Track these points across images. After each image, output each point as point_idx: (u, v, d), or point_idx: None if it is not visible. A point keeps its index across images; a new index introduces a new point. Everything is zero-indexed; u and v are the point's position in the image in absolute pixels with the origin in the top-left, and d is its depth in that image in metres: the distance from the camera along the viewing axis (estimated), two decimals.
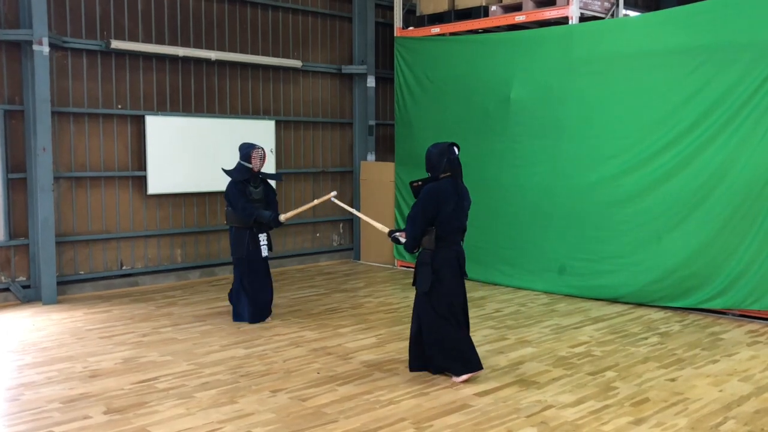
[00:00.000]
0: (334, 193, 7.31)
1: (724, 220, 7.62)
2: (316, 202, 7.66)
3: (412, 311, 6.01)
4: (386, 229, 6.30)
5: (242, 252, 7.39)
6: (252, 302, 7.44)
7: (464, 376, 5.64)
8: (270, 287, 7.63)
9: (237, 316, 7.54)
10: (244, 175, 7.39)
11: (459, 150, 5.85)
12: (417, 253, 5.90)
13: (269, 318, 7.60)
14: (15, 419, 4.87)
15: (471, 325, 7.40)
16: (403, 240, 5.97)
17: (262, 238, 7.45)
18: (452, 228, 5.74)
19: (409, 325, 7.34)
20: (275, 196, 7.73)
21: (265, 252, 7.48)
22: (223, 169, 7.58)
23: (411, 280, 9.94)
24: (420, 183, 5.83)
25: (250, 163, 7.37)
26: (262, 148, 7.49)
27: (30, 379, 5.68)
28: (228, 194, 7.39)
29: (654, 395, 5.36)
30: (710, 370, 5.96)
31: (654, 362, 6.18)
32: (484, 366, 5.96)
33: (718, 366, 6.08)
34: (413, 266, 10.40)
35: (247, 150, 7.42)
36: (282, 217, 7.46)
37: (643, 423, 4.82)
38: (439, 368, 5.79)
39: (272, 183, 8.36)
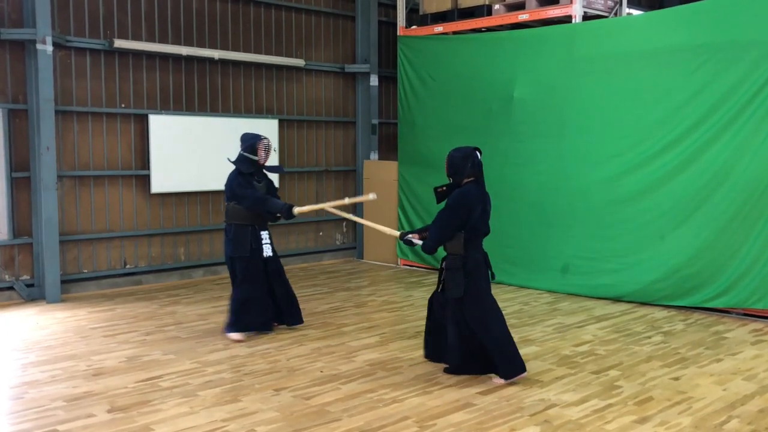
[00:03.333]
0: (373, 196, 6.78)
1: (727, 218, 7.61)
2: (347, 201, 7.11)
3: (432, 318, 5.99)
4: (397, 233, 6.26)
5: (244, 251, 6.80)
6: (251, 308, 6.84)
7: (512, 379, 5.59)
8: (286, 289, 7.09)
9: (245, 326, 6.85)
10: (250, 168, 6.84)
11: (481, 154, 5.85)
12: (441, 258, 5.88)
13: (273, 330, 7.01)
14: (19, 417, 4.88)
15: None
16: (417, 242, 5.95)
17: (265, 235, 6.93)
18: (480, 232, 5.74)
19: (412, 324, 7.38)
20: (276, 191, 7.22)
21: (268, 251, 6.94)
22: (229, 159, 6.96)
23: (414, 279, 9.96)
24: (445, 188, 5.82)
25: (256, 155, 6.82)
26: (268, 139, 6.94)
27: (34, 377, 5.70)
28: (232, 186, 6.79)
29: (658, 394, 5.35)
30: (714, 369, 5.95)
31: (657, 361, 6.17)
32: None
33: (721, 365, 6.08)
34: (417, 265, 10.52)
35: (252, 141, 6.85)
36: (296, 210, 6.80)
37: (646, 422, 4.82)
38: (489, 369, 5.73)
39: (274, 178, 7.84)
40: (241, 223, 6.83)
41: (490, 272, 5.80)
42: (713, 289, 7.74)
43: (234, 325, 6.80)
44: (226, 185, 6.89)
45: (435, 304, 5.96)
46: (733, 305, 7.68)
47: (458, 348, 5.74)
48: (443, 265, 5.84)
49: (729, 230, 7.60)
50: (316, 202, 11.05)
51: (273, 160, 10.30)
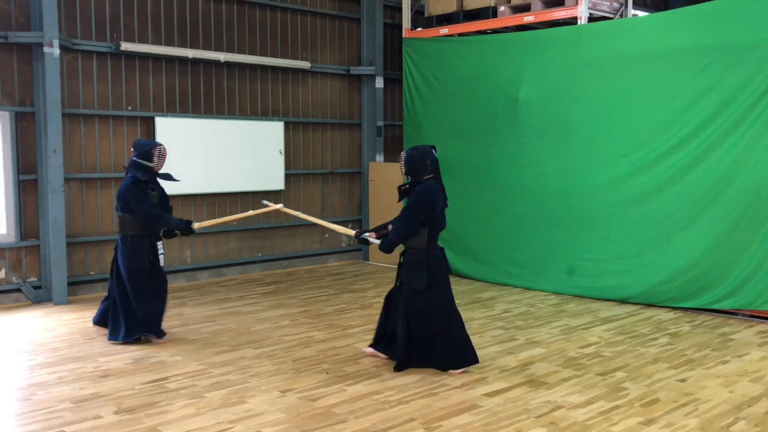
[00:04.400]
0: (280, 206, 6.96)
1: (734, 220, 7.59)
2: (250, 213, 7.14)
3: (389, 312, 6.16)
4: (352, 232, 6.45)
5: (143, 263, 6.60)
6: (133, 315, 6.64)
7: (462, 369, 5.87)
8: (164, 300, 6.89)
9: (117, 334, 6.70)
10: (145, 175, 6.62)
11: (437, 152, 6.08)
12: (402, 253, 6.05)
13: (165, 337, 6.84)
14: (26, 419, 4.90)
15: (480, 326, 7.45)
16: (374, 240, 6.16)
17: (160, 246, 6.78)
18: (440, 227, 6.00)
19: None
20: (168, 200, 7.05)
21: (162, 261, 6.80)
22: (124, 166, 6.78)
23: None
24: (407, 186, 6.03)
25: (151, 161, 6.62)
26: (164, 146, 6.77)
27: (41, 379, 5.72)
28: (125, 196, 6.58)
29: (664, 396, 5.35)
30: (720, 371, 5.94)
31: (664, 363, 6.16)
32: (493, 366, 5.99)
33: (728, 366, 6.06)
34: None
35: (147, 147, 6.67)
36: (196, 226, 6.83)
37: (653, 423, 4.81)
38: (444, 364, 5.89)
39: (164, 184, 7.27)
40: (137, 234, 6.64)
41: (448, 266, 6.06)
42: (720, 291, 7.72)
43: (128, 333, 6.65)
44: (119, 194, 6.66)
45: (394, 301, 6.11)
46: (739, 307, 7.67)
47: (404, 342, 5.92)
48: (402, 260, 6.02)
49: (735, 232, 7.58)
50: (321, 205, 11.15)
51: (279, 163, 10.38)
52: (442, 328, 5.88)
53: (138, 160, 6.63)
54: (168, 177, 6.89)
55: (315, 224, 6.77)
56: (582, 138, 8.74)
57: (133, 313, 6.66)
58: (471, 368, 5.95)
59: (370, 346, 6.39)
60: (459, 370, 5.85)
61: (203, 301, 8.59)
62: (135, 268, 6.62)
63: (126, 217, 6.64)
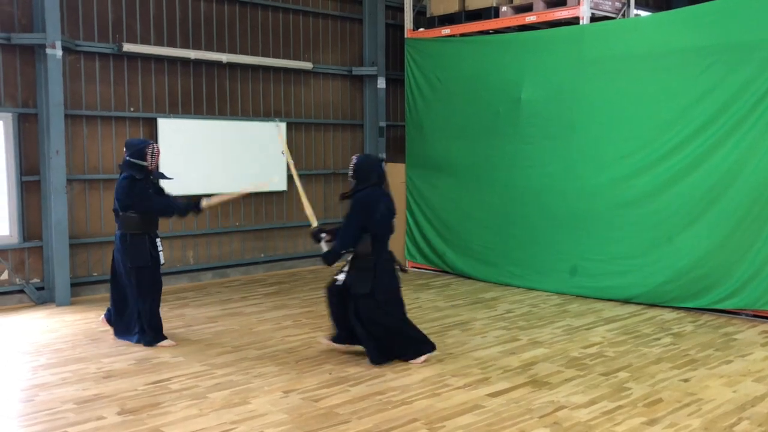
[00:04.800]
0: (277, 178, 7.02)
1: (736, 220, 7.58)
2: (250, 188, 6.98)
3: (333, 307, 6.35)
4: (315, 223, 6.58)
5: (146, 259, 6.61)
6: (153, 318, 6.70)
7: (422, 358, 6.13)
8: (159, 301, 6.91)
9: (142, 337, 6.71)
10: (140, 173, 6.60)
11: (385, 164, 6.40)
12: (353, 259, 6.18)
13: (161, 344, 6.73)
14: (30, 420, 4.91)
15: (483, 326, 7.45)
16: (324, 247, 6.30)
17: (159, 243, 6.78)
18: (385, 232, 6.15)
19: (419, 326, 7.37)
20: (163, 193, 6.99)
21: (162, 258, 6.83)
22: (119, 165, 6.77)
23: (422, 282, 9.96)
24: (348, 192, 6.21)
25: (145, 160, 6.59)
26: (157, 145, 6.78)
27: (44, 380, 5.72)
28: (129, 194, 6.56)
29: (667, 396, 5.34)
30: (724, 371, 5.93)
31: (667, 363, 6.16)
32: (496, 366, 6.00)
33: (731, 366, 6.05)
34: (426, 267, 10.52)
35: (141, 146, 6.64)
36: (204, 203, 6.85)
37: (656, 424, 4.81)
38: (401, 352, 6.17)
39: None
40: (137, 232, 6.63)
41: (399, 268, 6.27)
42: (723, 291, 7.71)
43: (156, 337, 6.67)
44: (118, 194, 6.63)
45: (334, 295, 6.29)
46: (742, 307, 7.66)
47: (367, 338, 6.11)
48: (351, 266, 6.17)
49: (738, 231, 7.57)
50: (323, 205, 11.14)
51: (282, 164, 10.37)
52: (394, 327, 6.14)
53: (132, 160, 6.60)
54: (161, 175, 6.90)
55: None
56: (584, 138, 8.73)
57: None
58: (474, 368, 5.96)
59: (332, 340, 6.47)
60: (419, 360, 6.11)
61: (206, 302, 8.60)
62: (140, 265, 6.61)
63: (127, 216, 6.61)
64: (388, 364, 6.08)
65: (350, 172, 6.26)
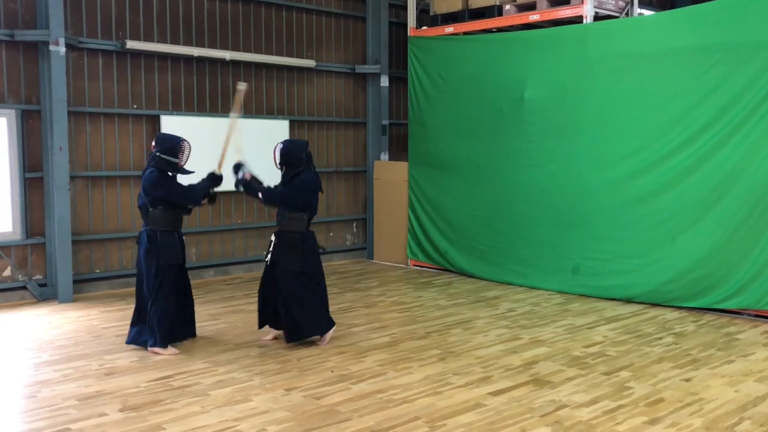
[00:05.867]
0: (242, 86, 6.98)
1: (739, 220, 7.57)
2: (233, 115, 6.86)
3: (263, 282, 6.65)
4: (237, 157, 6.72)
5: (177, 257, 6.47)
6: (170, 317, 6.40)
7: (329, 333, 6.62)
8: (191, 300, 6.79)
9: (171, 339, 6.45)
10: (170, 169, 6.45)
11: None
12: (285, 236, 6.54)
13: (174, 349, 6.45)
14: (32, 416, 4.92)
15: (485, 325, 7.45)
16: (246, 178, 6.51)
17: (184, 241, 6.67)
18: (314, 213, 6.64)
19: (421, 324, 7.39)
20: None
21: (186, 256, 6.73)
22: (150, 163, 6.46)
23: (424, 280, 9.95)
24: (287, 180, 6.52)
25: (177, 157, 6.43)
26: (188, 141, 6.58)
27: (46, 376, 5.74)
28: (159, 187, 6.31)
29: (669, 395, 5.34)
30: (725, 371, 5.93)
31: (669, 362, 6.15)
32: (498, 365, 6.02)
33: (733, 366, 6.05)
34: (428, 266, 10.52)
35: (174, 142, 6.46)
36: (217, 172, 6.72)
37: (657, 423, 4.81)
38: (309, 333, 6.58)
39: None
40: (167, 229, 6.45)
41: (320, 247, 6.73)
42: (725, 291, 7.71)
43: (164, 339, 6.35)
44: (149, 187, 6.34)
45: (267, 279, 6.60)
46: (744, 306, 7.65)
47: (287, 316, 6.45)
48: (277, 241, 6.51)
49: (741, 231, 7.56)
50: (326, 203, 11.14)
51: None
52: (317, 301, 6.57)
53: (163, 156, 6.39)
54: (188, 172, 6.66)
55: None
56: (587, 137, 8.72)
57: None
58: (475, 367, 5.97)
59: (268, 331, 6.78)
60: (328, 335, 6.62)
61: (208, 300, 8.61)
62: (171, 263, 6.40)
63: (157, 212, 6.37)
64: (339, 353, 6.38)
65: (277, 159, 6.53)
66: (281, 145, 6.58)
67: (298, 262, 6.44)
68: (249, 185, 6.51)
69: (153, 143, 6.56)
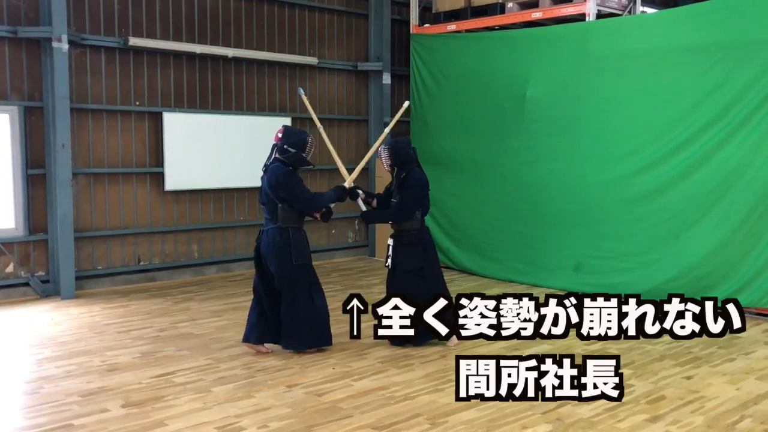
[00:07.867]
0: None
1: (741, 218, 7.57)
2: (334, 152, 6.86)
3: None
4: (349, 181, 6.63)
5: (308, 256, 6.24)
6: (317, 317, 6.28)
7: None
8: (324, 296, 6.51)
9: (317, 340, 6.32)
10: (296, 163, 6.21)
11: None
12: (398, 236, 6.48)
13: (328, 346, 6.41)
14: (34, 412, 4.93)
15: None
16: (362, 205, 6.55)
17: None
18: (427, 209, 6.63)
19: None
20: None
21: None
22: (277, 157, 6.22)
23: None
24: (398, 178, 6.46)
25: (305, 152, 6.22)
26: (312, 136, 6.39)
27: (49, 372, 5.75)
28: (287, 185, 6.07)
29: (670, 393, 5.35)
30: (727, 369, 5.94)
31: (670, 360, 6.16)
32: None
33: (734, 364, 6.06)
34: None
35: (303, 136, 6.25)
36: (347, 183, 6.55)
37: (659, 421, 4.81)
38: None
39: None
40: (297, 226, 6.22)
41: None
42: (727, 289, 7.70)
43: (319, 340, 6.30)
44: (276, 184, 6.09)
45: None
46: (746, 305, 7.61)
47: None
48: (395, 242, 6.43)
49: (743, 230, 7.56)
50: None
51: None
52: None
53: (291, 150, 6.16)
54: (308, 164, 6.41)
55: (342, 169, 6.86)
56: (589, 135, 8.71)
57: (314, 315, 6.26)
58: None
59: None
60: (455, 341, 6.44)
61: (210, 296, 8.62)
62: (303, 263, 6.20)
63: (287, 209, 6.13)
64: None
65: (388, 161, 6.43)
66: (388, 147, 6.43)
67: (418, 260, 6.36)
68: (372, 218, 6.63)
69: (278, 134, 6.26)
